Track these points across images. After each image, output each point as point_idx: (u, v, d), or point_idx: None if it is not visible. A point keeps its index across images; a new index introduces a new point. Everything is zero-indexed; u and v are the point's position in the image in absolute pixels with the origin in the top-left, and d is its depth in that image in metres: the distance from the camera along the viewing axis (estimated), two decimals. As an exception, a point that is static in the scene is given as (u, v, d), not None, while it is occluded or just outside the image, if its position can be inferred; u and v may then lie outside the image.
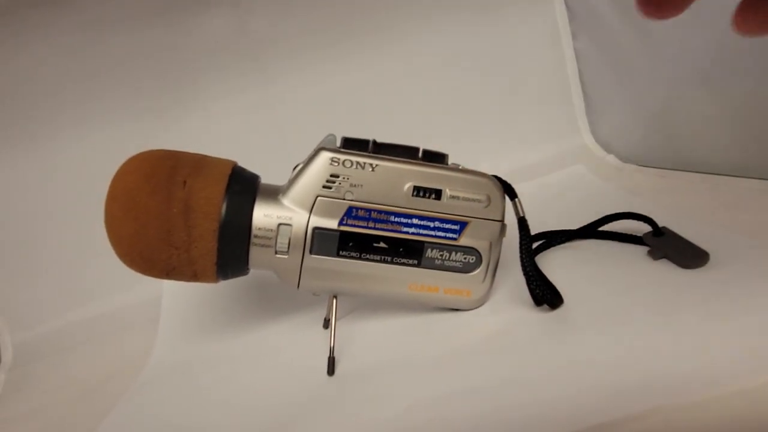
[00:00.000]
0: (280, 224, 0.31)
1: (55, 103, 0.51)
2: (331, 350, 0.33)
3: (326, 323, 0.39)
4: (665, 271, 0.33)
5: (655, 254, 0.35)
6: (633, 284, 0.33)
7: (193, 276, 0.31)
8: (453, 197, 0.33)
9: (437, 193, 0.32)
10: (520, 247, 0.34)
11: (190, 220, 0.29)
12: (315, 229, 0.31)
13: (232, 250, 0.31)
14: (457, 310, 0.36)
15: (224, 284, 0.47)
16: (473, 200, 0.33)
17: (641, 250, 0.37)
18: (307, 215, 0.31)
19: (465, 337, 0.33)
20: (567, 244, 0.41)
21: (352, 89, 0.57)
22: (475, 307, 0.36)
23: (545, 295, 0.32)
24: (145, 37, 0.51)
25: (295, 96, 0.56)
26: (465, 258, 0.34)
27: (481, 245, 0.34)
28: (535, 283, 0.33)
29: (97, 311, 0.52)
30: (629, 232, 0.39)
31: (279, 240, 0.31)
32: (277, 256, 0.32)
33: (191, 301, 0.48)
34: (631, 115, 0.56)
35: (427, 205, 0.32)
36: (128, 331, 0.49)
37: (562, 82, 0.61)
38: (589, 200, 0.49)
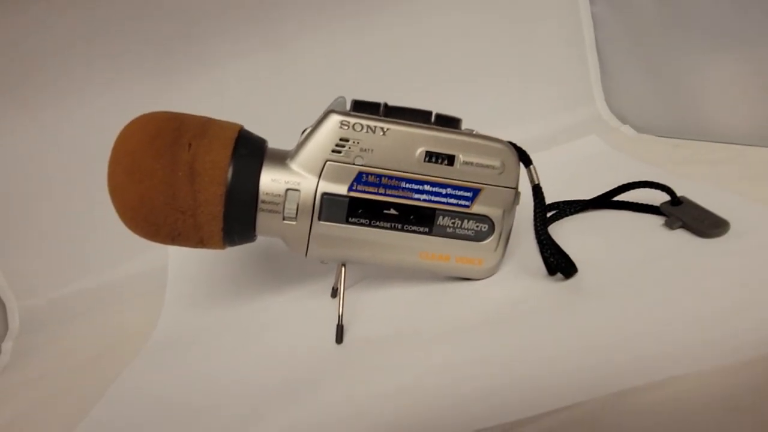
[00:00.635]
0: (287, 189, 0.30)
1: (57, 65, 0.49)
2: (340, 318, 0.32)
3: (334, 292, 0.38)
4: (683, 240, 0.32)
5: (673, 223, 0.34)
6: (649, 253, 0.32)
7: (200, 242, 0.31)
8: (466, 163, 0.32)
9: (450, 159, 0.31)
10: (534, 215, 0.33)
11: (196, 184, 0.28)
12: (324, 194, 0.31)
13: (238, 216, 0.30)
14: (468, 279, 0.35)
15: (231, 253, 0.47)
16: (487, 167, 0.32)
17: (658, 220, 0.36)
18: (316, 180, 0.30)
19: (476, 306, 0.32)
20: (581, 215, 0.40)
21: (363, 53, 0.55)
22: (487, 277, 0.35)
23: (559, 263, 0.32)
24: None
25: (304, 59, 0.54)
26: (477, 226, 0.33)
27: (494, 213, 0.33)
28: (549, 251, 0.32)
29: (104, 280, 0.52)
30: (645, 202, 0.38)
31: (287, 205, 0.30)
32: (285, 222, 0.31)
33: (197, 270, 0.47)
34: (648, 83, 0.54)
35: (439, 171, 0.31)
36: (135, 299, 0.48)
37: (578, 49, 0.59)
38: (603, 170, 0.48)
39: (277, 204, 0.30)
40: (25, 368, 0.44)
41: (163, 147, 0.28)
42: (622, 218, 0.38)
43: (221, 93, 0.53)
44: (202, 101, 0.51)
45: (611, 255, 0.33)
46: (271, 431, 0.26)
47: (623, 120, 0.58)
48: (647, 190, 0.37)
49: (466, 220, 0.33)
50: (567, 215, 0.40)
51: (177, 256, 0.49)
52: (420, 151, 0.31)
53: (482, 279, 0.35)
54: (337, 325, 0.32)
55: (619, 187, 0.39)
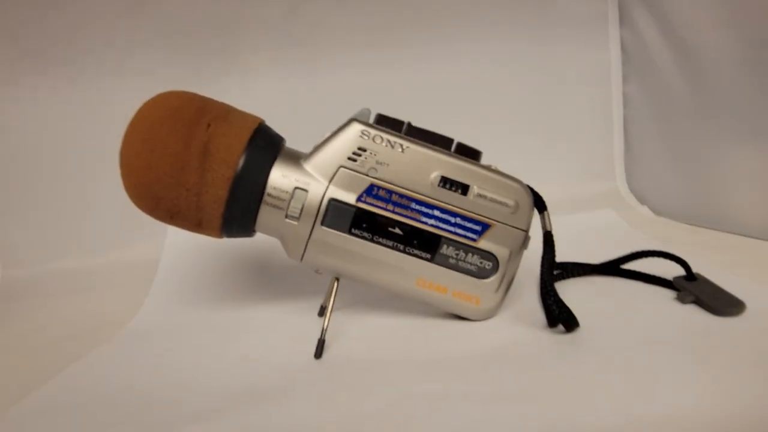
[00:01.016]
0: (296, 188, 0.30)
1: (95, 39, 0.51)
2: (323, 332, 0.31)
3: (321, 311, 0.37)
4: (695, 314, 0.31)
5: (685, 297, 0.32)
6: (657, 322, 0.31)
7: (198, 224, 0.30)
8: (480, 196, 0.31)
9: (464, 188, 0.31)
10: (542, 262, 0.32)
11: (206, 164, 0.28)
12: (331, 200, 0.30)
13: (242, 204, 0.29)
14: (462, 319, 0.33)
15: (225, 257, 0.46)
16: (500, 203, 0.31)
17: (669, 294, 0.34)
18: (326, 184, 0.30)
19: (467, 344, 0.30)
20: (588, 278, 0.39)
21: (393, 85, 0.56)
22: (483, 319, 0.33)
23: (561, 314, 0.30)
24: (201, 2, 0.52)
25: (333, 78, 0.55)
26: (481, 262, 0.32)
27: (501, 252, 0.32)
28: (552, 299, 0.31)
29: (93, 263, 0.51)
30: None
31: (292, 204, 0.30)
32: (287, 221, 0.30)
33: (189, 268, 0.46)
34: (671, 167, 0.54)
35: (451, 199, 0.31)
36: (119, 288, 0.47)
37: (605, 125, 0.60)
38: (615, 242, 0.46)
39: (282, 200, 0.30)
40: (-8, 335, 0.42)
41: (182, 121, 0.28)
42: (631, 286, 0.37)
43: (247, 95, 0.54)
44: (227, 99, 0.52)
45: (616, 318, 0.32)
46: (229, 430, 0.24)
47: (642, 200, 0.58)
48: (659, 264, 0.36)
49: (470, 254, 0.31)
50: (573, 276, 0.39)
51: (171, 252, 0.48)
52: (435, 174, 0.31)
53: (477, 320, 0.33)
54: (319, 339, 0.31)
55: (631, 254, 0.38)
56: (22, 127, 0.51)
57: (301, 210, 0.30)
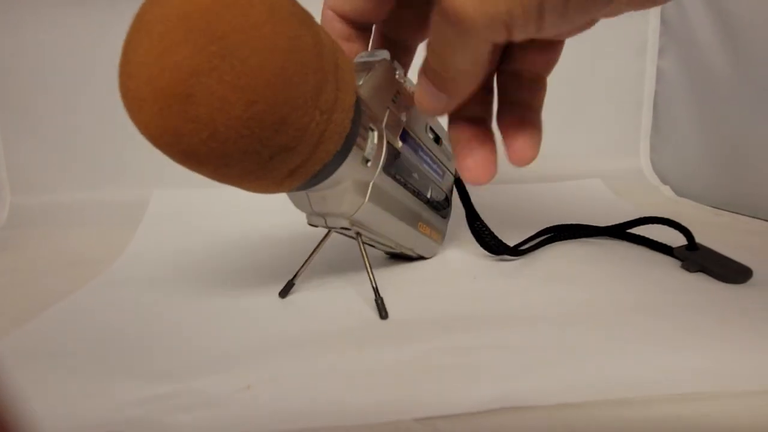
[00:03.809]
0: (370, 125, 0.24)
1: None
2: (376, 291, 0.26)
3: (286, 289, 0.29)
4: (702, 282, 0.28)
5: (692, 266, 0.30)
6: (662, 288, 0.28)
7: (308, 157, 0.20)
8: (446, 145, 0.33)
9: (437, 139, 0.32)
10: (460, 195, 0.33)
11: (339, 83, 0.20)
12: (387, 142, 0.26)
13: (354, 134, 0.23)
14: (419, 258, 0.33)
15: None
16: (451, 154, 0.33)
17: (675, 262, 0.32)
18: (383, 125, 0.26)
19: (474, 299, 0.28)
20: (583, 242, 0.36)
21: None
22: (430, 257, 0.33)
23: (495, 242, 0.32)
24: None
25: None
26: (443, 202, 0.33)
27: (449, 194, 0.34)
28: (483, 230, 0.32)
29: (106, 197, 0.51)
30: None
31: (368, 144, 0.24)
32: (365, 165, 0.24)
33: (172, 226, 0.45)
34: (700, 149, 0.50)
35: (432, 146, 0.31)
36: (128, 223, 0.46)
37: (634, 98, 0.57)
38: (625, 215, 0.44)
39: (363, 139, 0.24)
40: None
41: (306, 15, 0.19)
42: (635, 252, 0.34)
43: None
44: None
45: (618, 280, 0.29)
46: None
47: (664, 180, 0.55)
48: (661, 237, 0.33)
49: (440, 194, 0.33)
50: (569, 239, 0.36)
51: (158, 202, 0.48)
52: (426, 124, 0.31)
53: (427, 258, 0.33)
54: (375, 299, 0.26)
55: (634, 220, 0.35)
56: (39, 56, 0.51)
57: (374, 152, 0.25)
